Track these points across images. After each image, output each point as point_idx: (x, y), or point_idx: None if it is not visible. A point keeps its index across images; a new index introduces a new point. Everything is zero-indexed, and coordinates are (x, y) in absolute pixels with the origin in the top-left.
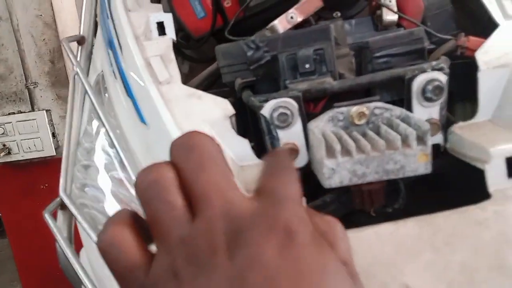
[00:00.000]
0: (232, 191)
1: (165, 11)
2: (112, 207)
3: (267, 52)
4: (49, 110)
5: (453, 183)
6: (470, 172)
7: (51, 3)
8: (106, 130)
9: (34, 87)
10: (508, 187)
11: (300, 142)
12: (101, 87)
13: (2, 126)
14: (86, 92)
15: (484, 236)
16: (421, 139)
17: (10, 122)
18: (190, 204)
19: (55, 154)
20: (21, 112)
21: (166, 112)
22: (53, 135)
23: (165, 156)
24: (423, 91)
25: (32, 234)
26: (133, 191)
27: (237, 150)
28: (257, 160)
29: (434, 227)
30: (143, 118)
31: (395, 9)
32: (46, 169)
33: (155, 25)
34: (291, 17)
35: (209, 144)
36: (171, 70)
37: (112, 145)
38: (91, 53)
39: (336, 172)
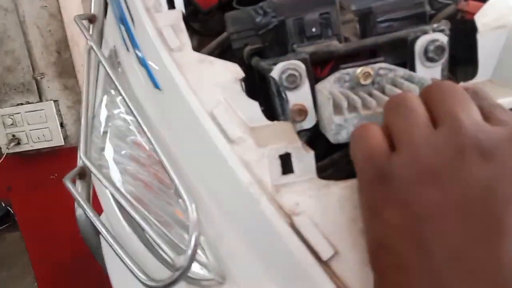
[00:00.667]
0: (477, 115)
1: None
2: (132, 169)
3: (274, 17)
4: (57, 100)
5: None
6: None
7: None
8: (123, 97)
9: (41, 78)
10: None
11: (308, 103)
12: (114, 61)
13: (11, 117)
14: (100, 63)
15: None
16: None
17: (18, 113)
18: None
19: (63, 143)
20: (29, 103)
21: (180, 76)
22: (61, 125)
23: (179, 118)
24: (426, 51)
25: (43, 224)
26: (151, 154)
27: (247, 112)
28: (267, 122)
29: None
30: (157, 84)
31: None
32: (55, 159)
33: None
34: None
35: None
36: (182, 38)
37: (129, 112)
38: (102, 30)
39: (343, 128)
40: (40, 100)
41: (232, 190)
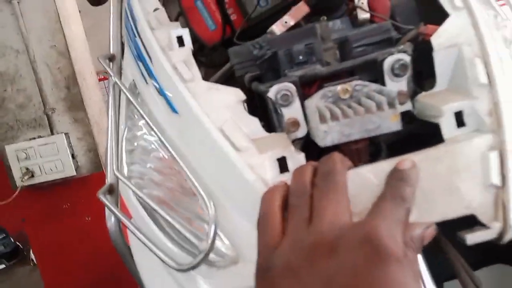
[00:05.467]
0: (342, 214)
1: (182, 27)
2: (156, 179)
3: (268, 49)
4: (67, 133)
5: (424, 141)
6: (435, 129)
7: (64, 34)
8: (146, 121)
9: (52, 113)
10: (457, 134)
11: (299, 117)
12: (134, 92)
13: (25, 151)
14: (123, 94)
15: (437, 168)
16: (391, 104)
17: (32, 147)
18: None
19: (75, 174)
20: (41, 137)
21: (194, 101)
22: (73, 156)
23: (194, 134)
24: (392, 69)
25: (58, 253)
26: (172, 166)
27: (249, 127)
28: (266, 133)
29: None
30: (175, 109)
31: (367, 9)
32: (67, 189)
33: (175, 39)
34: (285, 22)
35: (342, 173)
36: (193, 71)
37: (151, 132)
38: (121, 67)
39: (328, 134)
40: (52, 133)
41: (241, 188)
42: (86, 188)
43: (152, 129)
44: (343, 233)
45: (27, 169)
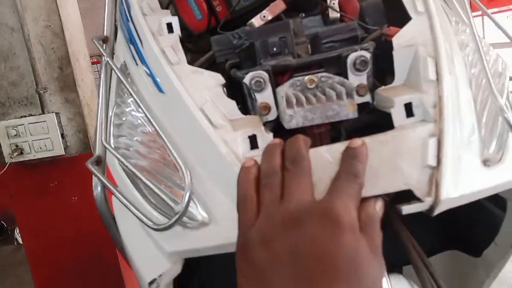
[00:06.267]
0: (307, 193)
1: (172, 15)
2: (141, 151)
3: (246, 40)
4: (58, 113)
5: (381, 131)
6: (390, 120)
7: (59, 14)
8: (134, 98)
9: (44, 92)
10: (406, 123)
11: (271, 101)
12: (125, 72)
13: (15, 128)
14: (114, 73)
15: (384, 150)
16: (349, 95)
17: (22, 124)
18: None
19: (64, 153)
20: (32, 115)
21: (178, 83)
22: (62, 136)
23: (177, 112)
24: (354, 64)
25: (43, 230)
26: (156, 139)
27: (227, 108)
28: (241, 115)
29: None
30: (161, 89)
31: (338, 9)
32: (56, 168)
33: (165, 26)
34: (264, 16)
35: (307, 158)
36: (180, 55)
37: (138, 109)
38: (113, 48)
39: (293, 118)
40: (43, 112)
41: (215, 160)
42: (74, 168)
43: (139, 106)
44: (307, 209)
45: (16, 146)
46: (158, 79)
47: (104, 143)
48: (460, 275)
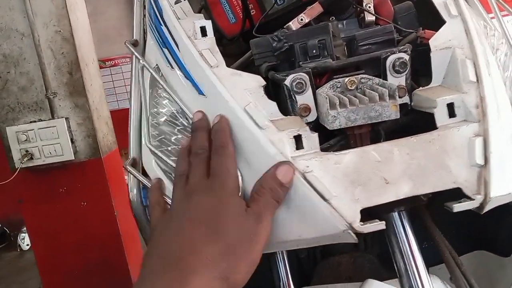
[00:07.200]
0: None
1: (206, 18)
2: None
3: (286, 43)
4: (68, 118)
5: (418, 132)
6: (430, 120)
7: (69, 19)
8: (172, 97)
9: (53, 97)
10: (449, 123)
11: (311, 103)
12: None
13: (25, 133)
14: (150, 76)
15: (431, 148)
16: (391, 96)
17: (32, 130)
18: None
19: (73, 158)
20: (42, 120)
21: (220, 85)
22: (72, 140)
23: (220, 113)
24: (393, 66)
25: (53, 235)
26: None
27: (269, 109)
28: (282, 116)
29: (400, 145)
30: (202, 91)
31: (373, 12)
32: (65, 173)
33: (199, 29)
34: (301, 19)
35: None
36: (218, 58)
37: (179, 111)
38: (143, 52)
39: (336, 119)
40: (52, 117)
41: (263, 160)
42: (83, 173)
43: (181, 108)
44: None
45: (26, 151)
46: (198, 82)
47: (148, 145)
48: (488, 275)
